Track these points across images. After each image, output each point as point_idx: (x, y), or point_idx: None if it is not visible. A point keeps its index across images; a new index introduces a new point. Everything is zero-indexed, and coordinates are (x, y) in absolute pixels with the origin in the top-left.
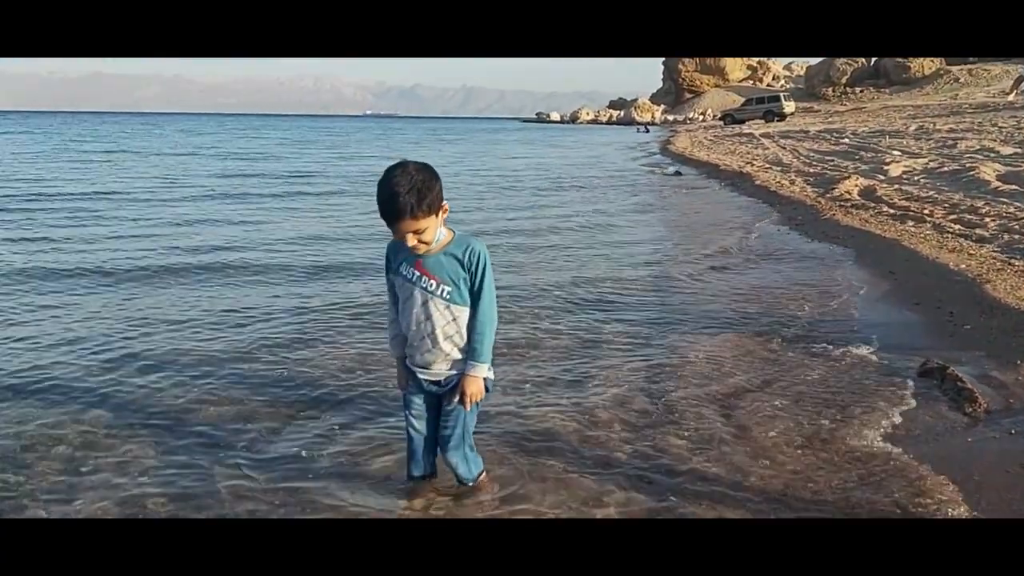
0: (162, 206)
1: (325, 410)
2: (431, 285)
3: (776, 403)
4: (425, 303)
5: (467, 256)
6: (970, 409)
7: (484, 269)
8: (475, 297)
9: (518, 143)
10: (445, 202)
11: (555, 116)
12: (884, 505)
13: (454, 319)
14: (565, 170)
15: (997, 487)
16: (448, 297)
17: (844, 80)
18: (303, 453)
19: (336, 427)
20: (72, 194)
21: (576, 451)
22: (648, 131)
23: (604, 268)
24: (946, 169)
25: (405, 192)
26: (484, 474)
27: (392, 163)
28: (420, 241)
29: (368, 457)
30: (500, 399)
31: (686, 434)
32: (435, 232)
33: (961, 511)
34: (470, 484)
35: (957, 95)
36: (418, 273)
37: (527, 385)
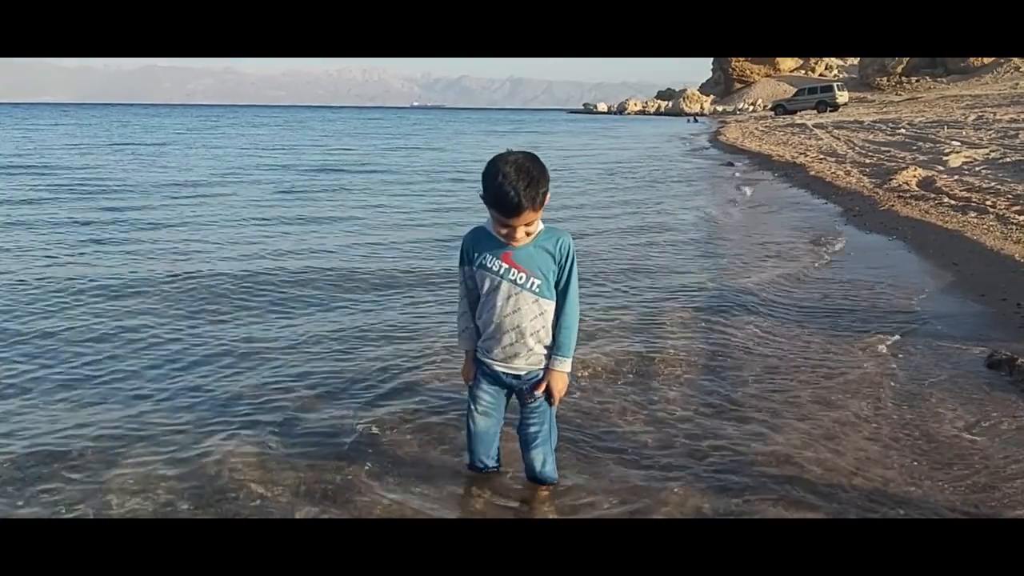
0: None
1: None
2: (521, 278)
3: (844, 394)
4: (513, 297)
5: (558, 248)
6: None
7: (573, 262)
8: (562, 291)
9: (569, 134)
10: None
11: (602, 107)
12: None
13: (541, 313)
14: (627, 163)
15: None
16: (538, 291)
17: (899, 69)
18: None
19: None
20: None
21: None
22: (698, 121)
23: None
24: (1009, 160)
25: (525, 186)
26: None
27: (497, 153)
28: (526, 233)
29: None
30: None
31: (760, 426)
32: (538, 224)
33: None
34: (552, 483)
35: (1018, 84)
36: (507, 266)
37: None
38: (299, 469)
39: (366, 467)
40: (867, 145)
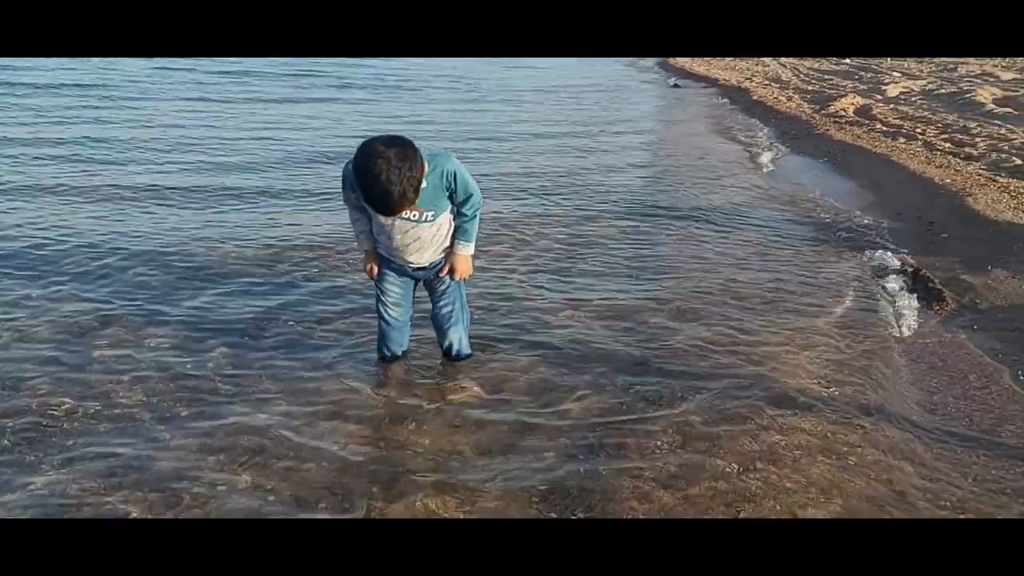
0: None
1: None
2: (414, 216)
3: (769, 294)
4: (410, 230)
5: (445, 180)
6: (937, 307)
7: (462, 182)
8: (460, 202)
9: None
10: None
11: None
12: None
13: (439, 228)
14: (562, 81)
15: (953, 368)
16: (432, 218)
17: None
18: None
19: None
20: None
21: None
22: None
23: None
24: (944, 91)
25: (398, 190)
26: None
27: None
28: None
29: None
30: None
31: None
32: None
33: (919, 388)
34: (465, 358)
35: None
36: None
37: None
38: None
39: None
40: (812, 73)
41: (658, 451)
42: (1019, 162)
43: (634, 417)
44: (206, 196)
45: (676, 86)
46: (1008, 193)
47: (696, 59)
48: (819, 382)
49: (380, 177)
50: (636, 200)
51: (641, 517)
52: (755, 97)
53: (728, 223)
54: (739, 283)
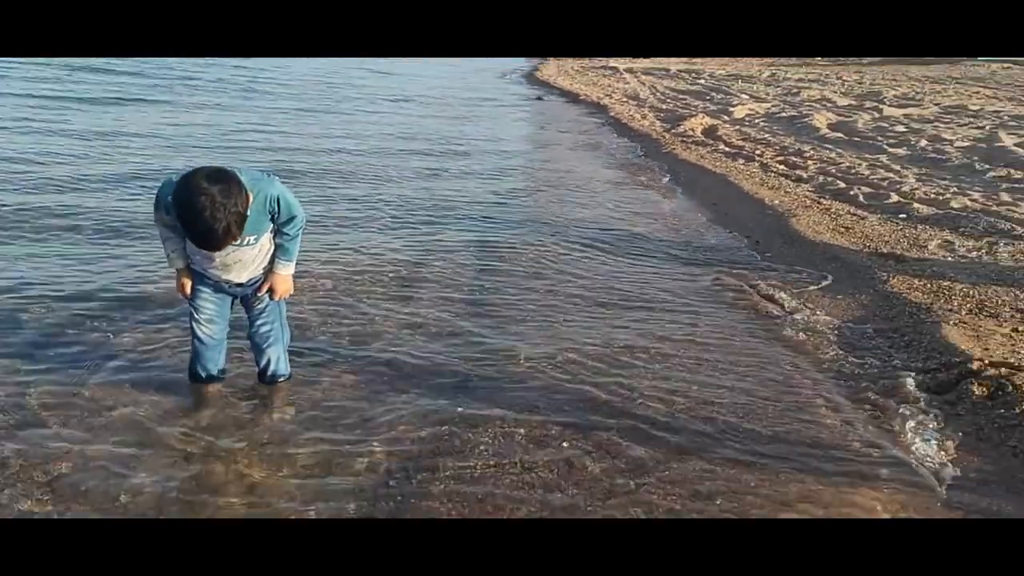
0: None
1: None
2: (236, 240)
3: (599, 307)
4: (231, 253)
5: (269, 205)
6: (758, 320)
7: (285, 205)
8: (283, 223)
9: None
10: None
11: None
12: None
13: (261, 247)
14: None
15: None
16: (255, 241)
17: None
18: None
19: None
20: None
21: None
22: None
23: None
24: (785, 115)
25: (222, 227)
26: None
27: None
28: None
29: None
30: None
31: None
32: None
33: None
34: (283, 379)
35: None
36: None
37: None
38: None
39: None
40: (668, 92)
41: (475, 473)
42: (843, 185)
43: (455, 440)
44: None
45: (539, 99)
46: (829, 215)
47: (561, 74)
48: (637, 395)
49: (204, 214)
50: (483, 215)
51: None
52: (612, 114)
53: (572, 240)
54: (574, 299)
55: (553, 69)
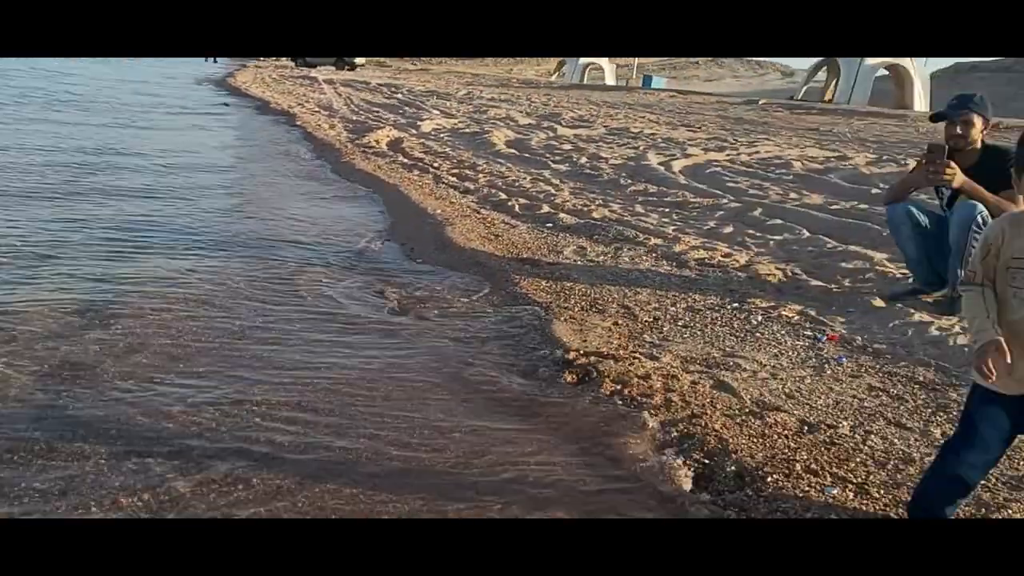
0: None
1: None
2: None
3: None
4: None
5: None
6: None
7: None
8: None
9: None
10: None
11: None
12: None
13: None
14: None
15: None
16: None
17: None
18: None
19: None
20: None
21: None
22: (216, 62)
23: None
24: (469, 131)
25: None
26: None
27: None
28: None
29: None
30: None
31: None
32: None
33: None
34: None
35: (512, 69)
36: None
37: None
38: None
39: None
40: (363, 104)
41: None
42: (504, 196)
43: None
44: None
45: (226, 104)
46: (484, 223)
47: (256, 81)
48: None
49: None
50: (119, 225)
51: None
52: (299, 123)
53: (238, 252)
54: (218, 312)
55: (249, 75)
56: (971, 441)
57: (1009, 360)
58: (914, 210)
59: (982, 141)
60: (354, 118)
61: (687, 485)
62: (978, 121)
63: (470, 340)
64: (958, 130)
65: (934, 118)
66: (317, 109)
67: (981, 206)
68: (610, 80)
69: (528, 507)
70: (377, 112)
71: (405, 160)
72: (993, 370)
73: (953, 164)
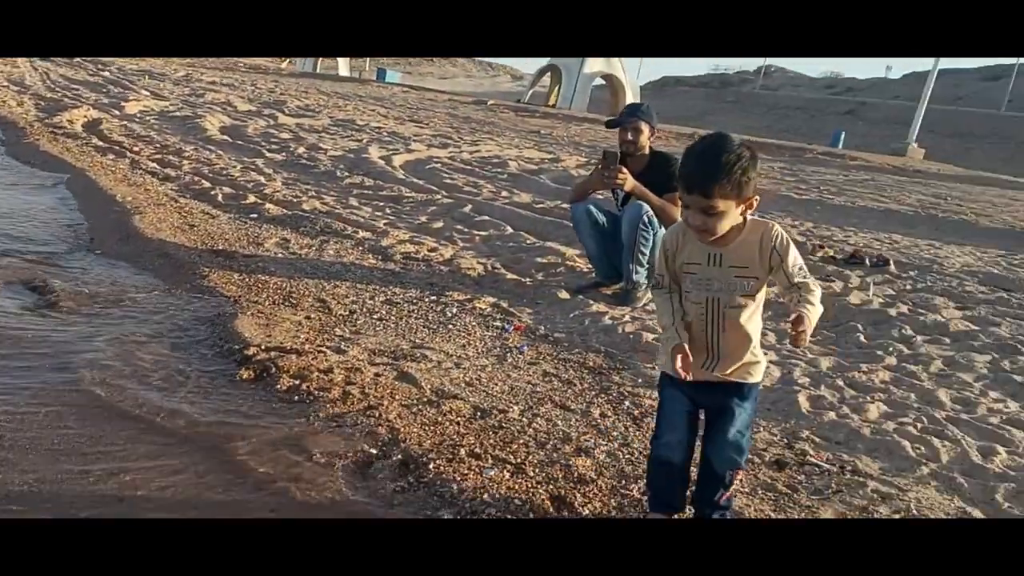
0: None
1: None
2: None
3: None
4: None
5: None
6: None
7: None
8: None
9: None
10: None
11: None
12: None
13: None
14: None
15: None
16: None
17: None
18: None
19: None
20: None
21: None
22: None
23: None
24: (180, 114)
25: None
26: None
27: None
28: None
29: None
30: None
31: None
32: None
33: None
34: None
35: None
36: None
37: None
38: None
39: None
40: (60, 81)
41: None
42: (208, 185)
43: None
44: None
45: None
46: (180, 213)
47: None
48: None
49: None
50: None
51: None
52: None
53: None
54: None
55: None
56: (662, 424)
57: (691, 359)
58: (593, 209)
59: (650, 147)
60: (48, 95)
61: (348, 477)
62: (645, 128)
63: (133, 339)
64: (629, 136)
65: (609, 124)
66: (5, 83)
67: (647, 206)
68: (344, 71)
69: (153, 509)
70: (77, 90)
71: (100, 143)
72: (683, 371)
73: (625, 170)
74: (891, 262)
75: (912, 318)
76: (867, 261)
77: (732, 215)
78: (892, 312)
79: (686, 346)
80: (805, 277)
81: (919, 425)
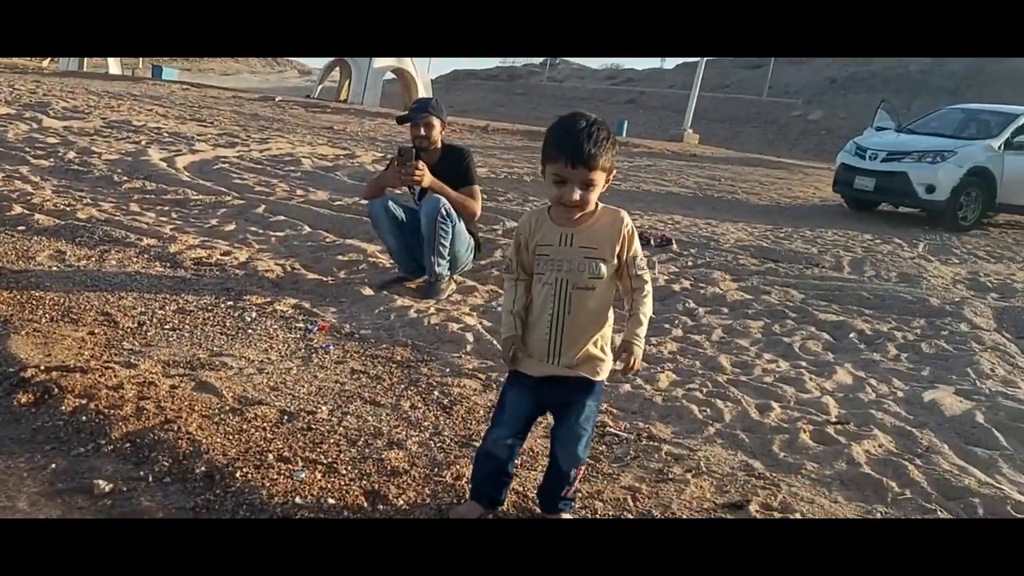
0: None
1: None
2: None
3: None
4: None
5: None
6: None
7: None
8: None
9: None
10: None
11: None
12: None
13: None
14: None
15: None
16: None
17: None
18: None
19: None
20: None
21: None
22: None
23: None
24: None
25: None
26: None
27: None
28: None
29: None
30: None
31: None
32: None
33: None
34: None
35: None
36: None
37: None
38: None
39: None
40: None
41: None
42: None
43: None
44: None
45: None
46: None
47: None
48: None
49: None
50: None
51: None
52: None
53: None
54: None
55: None
56: (498, 421)
57: (528, 350)
58: (391, 205)
59: (442, 141)
60: None
61: (148, 496)
62: (437, 123)
63: None
64: (422, 131)
65: (400, 120)
66: None
67: (445, 200)
68: (114, 69)
69: None
70: None
71: None
72: (514, 360)
73: (422, 165)
74: (673, 241)
75: (694, 292)
76: (652, 242)
77: (600, 188)
78: (676, 288)
79: (517, 337)
80: (641, 271)
81: (704, 390)
